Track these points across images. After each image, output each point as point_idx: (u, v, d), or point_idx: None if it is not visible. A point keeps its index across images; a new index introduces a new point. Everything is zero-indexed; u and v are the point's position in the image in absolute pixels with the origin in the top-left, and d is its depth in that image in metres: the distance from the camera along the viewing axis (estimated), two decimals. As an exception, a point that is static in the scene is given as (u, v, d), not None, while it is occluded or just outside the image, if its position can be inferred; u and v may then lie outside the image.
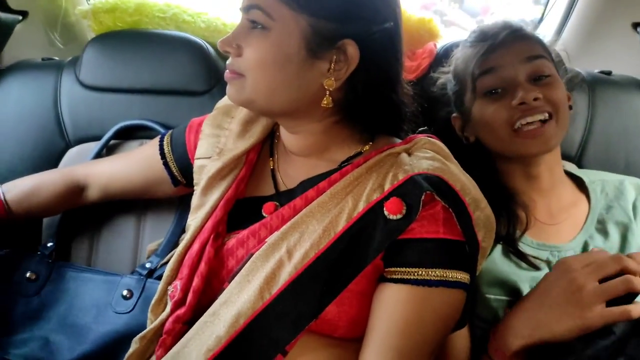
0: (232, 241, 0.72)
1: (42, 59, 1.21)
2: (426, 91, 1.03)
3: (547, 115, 0.82)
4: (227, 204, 0.76)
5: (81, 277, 0.93)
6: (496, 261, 0.83)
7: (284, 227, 0.68)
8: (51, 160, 1.06)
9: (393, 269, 0.65)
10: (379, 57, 0.68)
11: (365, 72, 0.67)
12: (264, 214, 0.73)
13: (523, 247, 0.84)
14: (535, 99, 0.81)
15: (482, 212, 0.68)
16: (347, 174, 0.70)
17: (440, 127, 0.94)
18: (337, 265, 0.64)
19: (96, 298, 0.90)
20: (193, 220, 0.77)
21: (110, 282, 0.92)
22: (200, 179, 0.80)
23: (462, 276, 0.64)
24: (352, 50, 0.65)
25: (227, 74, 0.70)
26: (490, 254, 0.83)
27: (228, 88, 0.70)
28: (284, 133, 0.77)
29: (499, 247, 0.84)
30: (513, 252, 0.83)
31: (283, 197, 0.73)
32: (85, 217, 1.03)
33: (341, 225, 0.65)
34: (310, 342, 0.65)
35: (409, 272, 0.64)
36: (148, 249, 0.98)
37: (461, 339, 0.77)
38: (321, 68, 0.66)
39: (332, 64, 0.66)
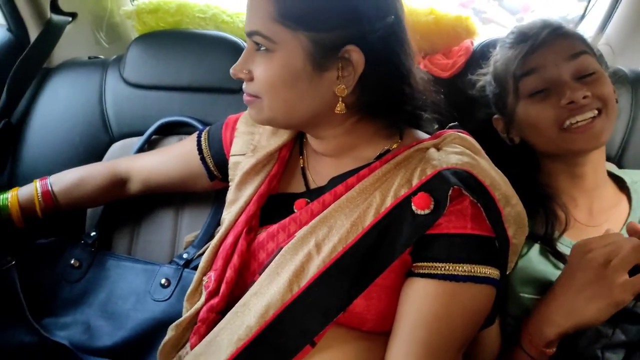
0: (263, 235, 0.73)
1: (89, 58, 1.27)
2: (462, 90, 1.01)
3: (596, 111, 0.80)
4: (260, 199, 0.77)
5: (121, 266, 0.96)
6: (532, 260, 0.81)
7: (313, 221, 0.68)
8: (96, 154, 1.10)
9: (421, 263, 0.64)
10: (385, 54, 0.68)
11: (374, 71, 0.67)
12: (295, 210, 0.74)
13: (561, 247, 0.81)
14: (584, 97, 0.79)
15: (512, 208, 0.67)
16: (376, 169, 0.70)
17: (479, 128, 0.92)
18: (365, 259, 0.64)
19: (135, 286, 0.93)
20: (227, 214, 0.79)
21: (149, 270, 0.95)
22: (235, 175, 0.82)
23: (491, 272, 0.63)
24: (356, 55, 0.65)
25: (245, 97, 0.72)
26: (526, 253, 0.81)
27: (249, 110, 0.73)
28: (310, 137, 0.78)
29: (536, 247, 0.82)
30: (551, 252, 0.81)
31: (314, 194, 0.74)
32: (126, 208, 1.06)
33: (369, 220, 0.65)
34: (339, 334, 0.65)
35: (436, 267, 0.63)
36: (185, 240, 1.00)
37: (492, 336, 0.75)
38: (330, 78, 0.66)
39: (340, 72, 0.66)
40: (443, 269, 0.63)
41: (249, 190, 0.78)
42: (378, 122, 0.73)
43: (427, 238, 0.64)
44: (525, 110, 0.85)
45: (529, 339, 0.70)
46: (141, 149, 1.08)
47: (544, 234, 0.82)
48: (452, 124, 0.78)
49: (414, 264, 0.65)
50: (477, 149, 0.71)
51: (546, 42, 0.83)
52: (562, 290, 0.69)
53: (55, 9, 1.20)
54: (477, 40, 1.15)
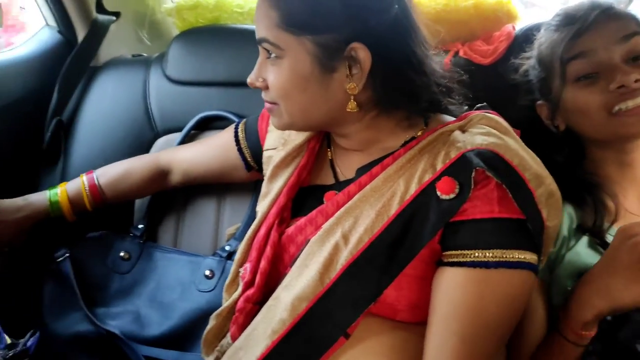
0: (291, 228, 0.73)
1: (133, 56, 1.29)
2: (503, 77, 0.98)
3: None
4: (290, 190, 0.77)
5: (168, 257, 0.98)
6: (580, 253, 0.77)
7: (338, 212, 0.68)
8: (141, 149, 1.12)
9: (449, 252, 0.62)
10: (393, 47, 0.66)
11: (384, 65, 0.65)
12: (324, 202, 0.73)
13: (610, 239, 0.77)
14: (636, 81, 0.74)
15: (546, 188, 0.63)
16: (400, 157, 0.68)
17: (522, 115, 0.88)
18: (392, 249, 0.63)
19: (181, 277, 0.95)
20: (260, 207, 0.80)
21: (194, 262, 0.97)
22: (267, 169, 0.83)
23: (525, 256, 0.61)
24: (362, 52, 0.64)
25: (265, 105, 0.72)
26: (574, 245, 0.78)
27: (271, 117, 0.74)
28: (334, 135, 0.78)
29: (584, 239, 0.78)
30: (600, 244, 0.77)
31: (342, 186, 0.73)
32: (171, 201, 1.08)
33: (394, 208, 0.64)
34: (372, 325, 0.65)
35: (464, 254, 0.61)
36: (227, 233, 1.02)
37: (537, 328, 0.73)
38: (340, 77, 0.66)
39: (348, 71, 0.65)
40: (472, 256, 0.60)
41: (279, 182, 0.79)
42: (398, 113, 0.71)
43: (455, 225, 0.62)
44: (573, 95, 0.81)
45: (567, 322, 0.67)
46: (182, 143, 1.09)
47: (593, 225, 0.78)
48: (479, 104, 0.76)
49: (443, 253, 0.63)
50: (504, 128, 0.68)
51: (596, 24, 0.79)
52: (601, 272, 0.66)
53: (100, 8, 1.23)
54: (519, 25, 1.11)
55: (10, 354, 0.73)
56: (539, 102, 0.89)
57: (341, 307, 0.63)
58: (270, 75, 0.68)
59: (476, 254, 0.60)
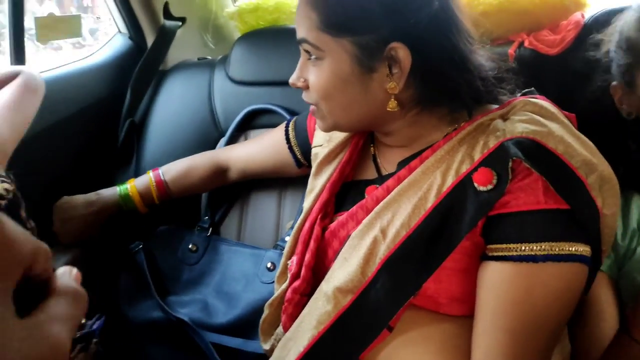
0: (334, 223, 0.74)
1: (198, 59, 1.34)
2: (570, 67, 0.93)
3: None
4: (333, 186, 0.77)
5: (232, 250, 1.01)
6: None
7: (377, 207, 0.67)
8: (206, 147, 1.15)
9: (494, 245, 0.60)
10: (434, 44, 0.63)
11: (425, 63, 0.63)
12: (366, 197, 0.73)
13: None
14: None
15: (599, 175, 0.59)
16: (439, 149, 0.66)
17: (595, 96, 0.82)
18: (430, 242, 0.61)
19: (245, 269, 0.98)
20: (306, 203, 0.81)
21: (256, 255, 0.99)
22: (313, 166, 0.83)
23: (576, 248, 0.57)
24: (402, 51, 0.62)
25: (310, 108, 0.73)
26: None
27: (316, 119, 0.74)
28: (376, 132, 0.77)
29: None
30: None
31: (384, 180, 0.72)
32: (235, 197, 1.11)
33: (430, 202, 0.62)
34: (416, 317, 0.63)
35: (510, 248, 0.58)
36: (287, 226, 1.03)
37: (607, 322, 0.69)
38: (380, 78, 0.64)
39: (388, 70, 0.63)
40: (518, 249, 0.57)
41: (322, 178, 0.79)
42: (440, 109, 0.69)
43: (498, 218, 0.59)
44: None
45: (636, 322, 0.62)
46: (232, 136, 1.13)
47: None
48: (525, 90, 0.72)
49: (487, 247, 0.61)
50: (550, 113, 0.64)
51: None
52: None
53: (168, 15, 1.29)
54: (589, 13, 1.05)
55: (78, 335, 0.77)
56: (614, 83, 0.83)
57: (383, 299, 0.62)
58: (311, 75, 0.68)
59: (522, 248, 0.57)
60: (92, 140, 1.19)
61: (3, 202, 0.67)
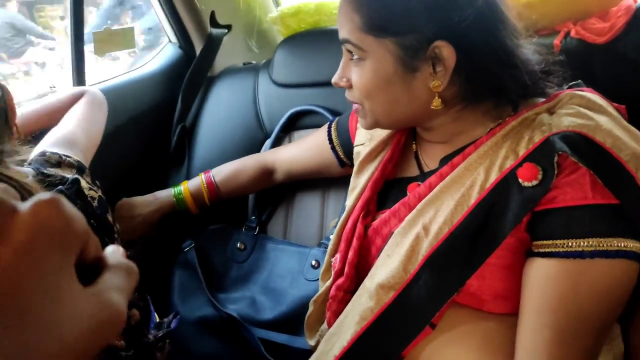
0: (377, 221, 0.73)
1: (243, 64, 1.37)
2: (620, 55, 0.88)
3: None
4: (375, 184, 0.77)
5: (278, 248, 1.03)
6: None
7: (419, 204, 0.66)
8: (253, 149, 1.18)
9: (540, 242, 0.57)
10: (478, 41, 0.61)
11: (469, 61, 0.61)
12: (407, 194, 0.72)
13: None
14: None
15: None
16: (482, 145, 0.64)
17: None
18: (472, 239, 0.60)
19: (291, 266, 0.99)
20: (348, 201, 0.80)
21: (301, 253, 1.01)
22: (355, 165, 0.83)
23: (626, 244, 0.54)
24: (446, 50, 0.60)
25: (353, 106, 0.72)
26: None
27: (358, 118, 0.73)
28: (419, 128, 0.75)
29: None
30: None
31: (426, 177, 0.71)
32: (280, 197, 1.13)
33: (473, 198, 0.61)
34: (459, 315, 0.62)
35: (556, 244, 0.56)
36: (330, 225, 1.04)
37: None
38: (423, 77, 0.63)
39: (432, 69, 0.62)
40: (565, 245, 0.55)
41: (364, 176, 0.79)
42: (485, 105, 0.67)
43: (544, 213, 0.57)
44: None
45: None
46: (277, 137, 1.15)
47: None
48: (572, 82, 0.68)
49: (533, 243, 0.58)
50: (598, 106, 0.61)
51: None
52: None
53: (214, 23, 1.33)
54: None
55: (160, 334, 0.80)
56: None
57: (425, 296, 0.62)
58: (354, 75, 0.68)
59: (569, 244, 0.55)
60: (147, 145, 1.24)
61: (92, 207, 0.72)
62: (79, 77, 1.08)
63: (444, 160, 0.70)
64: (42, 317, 0.21)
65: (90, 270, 0.25)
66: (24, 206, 0.22)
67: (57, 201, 0.23)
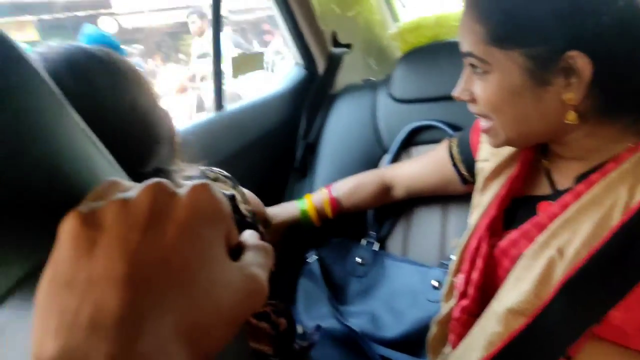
0: (504, 241, 0.68)
1: (362, 81, 1.40)
2: None
3: None
4: (501, 202, 0.72)
5: (398, 265, 1.02)
6: None
7: (553, 225, 0.60)
8: (371, 164, 1.19)
9: None
10: (618, 49, 0.53)
11: (607, 71, 0.54)
12: (537, 213, 0.66)
13: None
14: None
15: None
16: (623, 161, 0.57)
17: None
18: (617, 264, 0.53)
19: (411, 285, 0.98)
20: (471, 219, 0.77)
21: (421, 272, 0.99)
22: (479, 181, 0.79)
23: None
24: (580, 60, 0.53)
25: (481, 126, 0.67)
26: None
27: (487, 137, 0.68)
28: (549, 143, 0.69)
29: None
30: None
31: (558, 196, 0.65)
32: (399, 212, 1.13)
33: (616, 219, 0.54)
34: (599, 349, 0.56)
35: None
36: (452, 244, 1.01)
37: None
38: (555, 89, 0.57)
39: (565, 81, 0.56)
40: None
41: (489, 194, 0.74)
42: (625, 118, 0.59)
43: None
44: None
45: None
46: (396, 153, 1.14)
47: None
48: None
49: None
50: None
51: None
52: None
53: (336, 43, 1.37)
54: None
55: (305, 345, 0.84)
56: None
57: (560, 324, 0.56)
58: (478, 89, 0.64)
59: None
60: (274, 161, 1.32)
61: (245, 220, 0.79)
62: (218, 95, 1.19)
63: (580, 178, 0.64)
64: (203, 286, 0.23)
65: (233, 253, 0.27)
66: (182, 190, 0.25)
67: (209, 186, 0.25)
